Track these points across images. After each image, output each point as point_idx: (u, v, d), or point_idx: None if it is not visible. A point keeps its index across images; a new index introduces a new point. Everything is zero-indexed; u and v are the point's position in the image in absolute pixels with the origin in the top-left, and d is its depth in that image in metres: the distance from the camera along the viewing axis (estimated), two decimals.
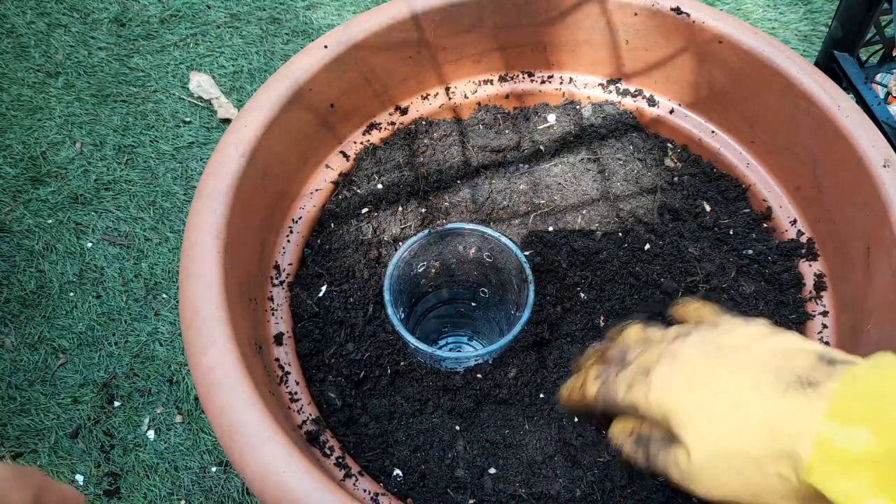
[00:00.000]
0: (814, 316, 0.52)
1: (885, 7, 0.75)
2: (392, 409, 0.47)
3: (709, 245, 0.55)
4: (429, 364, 0.49)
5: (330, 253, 0.55)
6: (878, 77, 0.86)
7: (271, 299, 0.51)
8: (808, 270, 0.54)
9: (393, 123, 0.62)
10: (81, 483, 0.85)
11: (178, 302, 0.66)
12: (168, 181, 1.11)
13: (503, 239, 0.47)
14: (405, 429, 0.47)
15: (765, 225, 0.57)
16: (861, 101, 0.76)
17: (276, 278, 0.52)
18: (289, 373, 0.48)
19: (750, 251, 0.55)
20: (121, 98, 1.20)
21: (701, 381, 0.30)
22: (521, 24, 0.61)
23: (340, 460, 0.44)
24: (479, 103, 0.64)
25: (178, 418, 0.90)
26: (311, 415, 0.46)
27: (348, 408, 0.47)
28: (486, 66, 0.64)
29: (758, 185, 0.58)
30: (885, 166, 0.48)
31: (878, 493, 0.23)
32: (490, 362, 0.48)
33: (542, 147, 0.62)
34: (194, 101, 1.20)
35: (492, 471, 0.45)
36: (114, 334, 0.96)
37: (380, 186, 0.58)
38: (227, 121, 1.18)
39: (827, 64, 0.82)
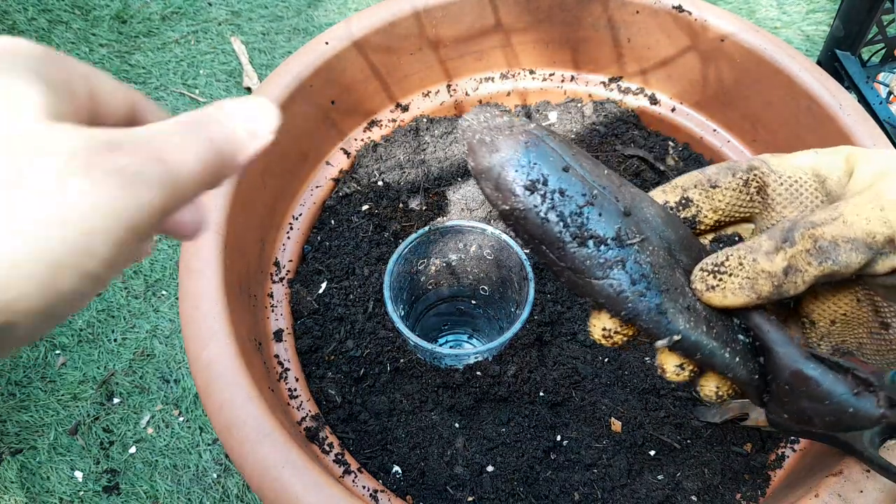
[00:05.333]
0: None
1: (887, 6, 0.75)
2: (392, 406, 0.47)
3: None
4: (429, 361, 0.49)
5: (330, 250, 0.55)
6: (881, 76, 0.85)
7: (271, 296, 0.51)
8: None
9: (394, 120, 0.62)
10: (80, 480, 0.85)
11: (177, 299, 0.65)
12: None
13: (504, 236, 0.47)
14: (405, 426, 0.47)
15: None
16: (863, 101, 0.76)
17: (276, 275, 0.52)
18: (288, 369, 0.48)
19: None
20: None
21: None
22: (522, 21, 0.61)
23: (339, 457, 0.44)
24: (480, 101, 0.64)
25: (178, 415, 0.90)
26: (310, 411, 0.46)
27: (348, 404, 0.47)
28: (488, 64, 0.64)
29: None
30: None
31: None
32: (490, 360, 0.48)
33: None
34: (195, 98, 1.20)
35: (490, 468, 0.45)
36: (113, 331, 0.96)
37: (380, 183, 0.58)
38: (250, 89, 1.21)
39: (829, 63, 0.82)
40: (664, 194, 0.29)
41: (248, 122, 0.19)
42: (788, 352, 0.25)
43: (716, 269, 0.26)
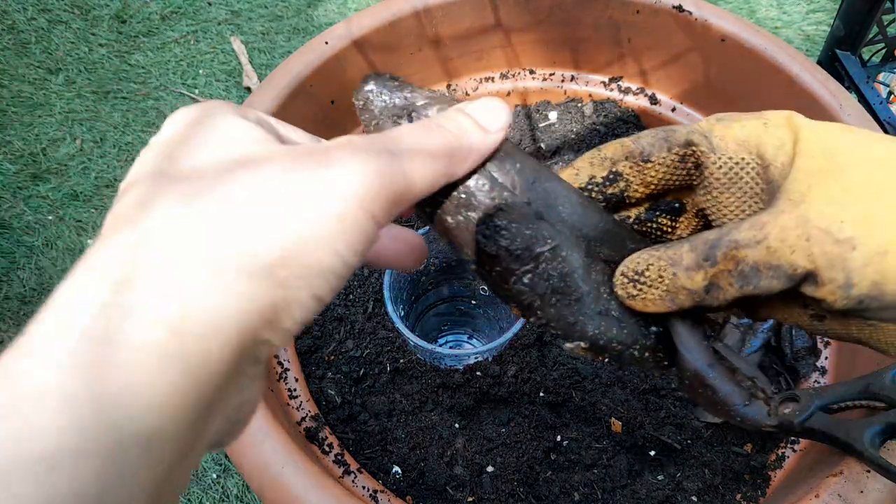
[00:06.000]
0: None
1: (887, 6, 0.75)
2: (391, 407, 0.47)
3: None
4: (429, 362, 0.49)
5: None
6: (881, 76, 0.85)
7: None
8: None
9: None
10: None
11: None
12: None
13: None
14: (404, 426, 0.47)
15: None
16: (863, 101, 0.75)
17: None
18: (288, 370, 0.48)
19: None
20: (121, 95, 1.20)
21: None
22: (522, 21, 0.60)
23: (339, 457, 0.43)
24: None
25: None
26: (309, 412, 0.46)
27: (347, 405, 0.47)
28: (488, 63, 0.63)
29: None
30: None
31: None
32: (490, 360, 0.48)
33: (542, 145, 0.61)
34: (195, 98, 1.20)
35: (490, 469, 0.45)
36: None
37: None
38: (250, 89, 1.22)
39: (829, 63, 0.82)
40: (591, 167, 0.27)
41: (479, 123, 0.21)
42: (694, 357, 0.25)
43: (636, 277, 0.24)
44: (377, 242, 0.20)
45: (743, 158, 0.26)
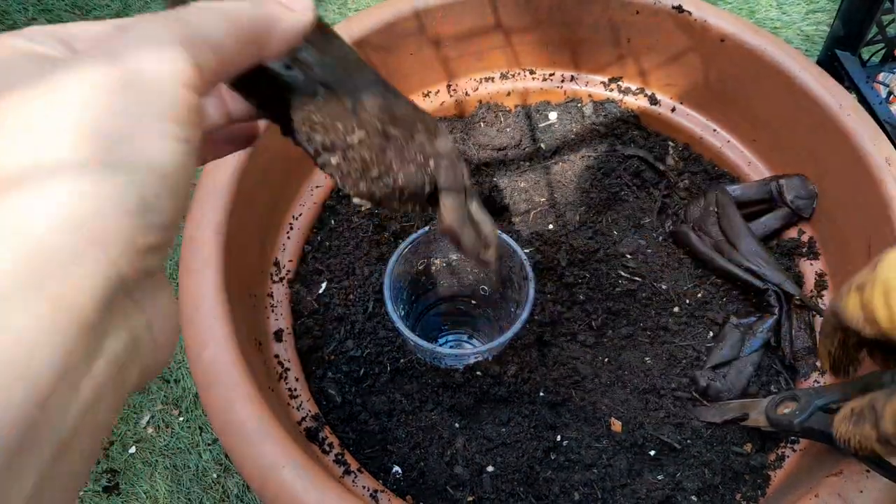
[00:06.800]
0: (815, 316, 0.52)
1: (887, 6, 0.75)
2: (392, 406, 0.47)
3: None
4: (429, 361, 0.49)
5: (330, 250, 0.55)
6: (881, 76, 0.85)
7: (271, 296, 0.51)
8: (810, 269, 0.54)
9: None
10: None
11: (177, 298, 0.65)
12: None
13: (504, 236, 0.47)
14: (405, 426, 0.47)
15: None
16: (863, 101, 0.75)
17: (276, 275, 0.52)
18: (288, 369, 0.48)
19: None
20: None
21: None
22: (522, 22, 0.61)
23: (339, 457, 0.44)
24: (480, 101, 0.64)
25: (178, 415, 0.90)
26: (310, 411, 0.46)
27: (348, 404, 0.47)
28: (488, 64, 0.63)
29: None
30: (886, 164, 0.47)
31: None
32: (490, 360, 0.48)
33: (542, 145, 0.61)
34: None
35: (490, 468, 0.45)
36: None
37: None
38: None
39: (829, 63, 0.82)
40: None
41: (283, 2, 0.20)
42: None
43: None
44: (209, 122, 0.21)
45: None
